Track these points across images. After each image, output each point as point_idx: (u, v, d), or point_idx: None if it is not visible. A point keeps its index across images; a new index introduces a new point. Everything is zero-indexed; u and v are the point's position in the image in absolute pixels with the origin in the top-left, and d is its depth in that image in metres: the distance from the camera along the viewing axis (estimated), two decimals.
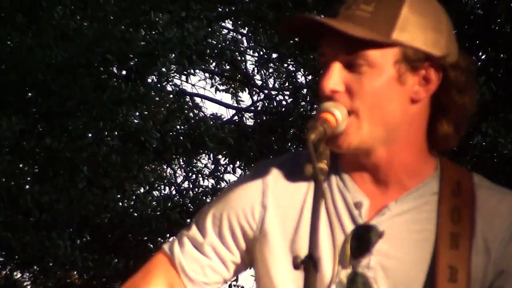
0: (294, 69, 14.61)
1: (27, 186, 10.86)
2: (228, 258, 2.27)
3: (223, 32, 14.95)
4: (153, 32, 10.79)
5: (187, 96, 14.88)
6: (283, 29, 2.21)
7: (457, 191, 2.18)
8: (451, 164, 2.24)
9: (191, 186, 13.78)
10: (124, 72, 11.72)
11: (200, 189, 13.63)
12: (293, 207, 2.23)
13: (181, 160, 13.86)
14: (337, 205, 2.20)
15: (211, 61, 14.71)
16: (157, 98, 12.29)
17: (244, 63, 15.67)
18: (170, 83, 13.04)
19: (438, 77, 2.16)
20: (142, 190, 12.60)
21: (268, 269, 2.24)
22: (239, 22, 15.08)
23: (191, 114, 13.95)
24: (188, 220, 11.96)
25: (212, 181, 14.06)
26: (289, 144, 14.15)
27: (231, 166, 14.49)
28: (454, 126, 2.21)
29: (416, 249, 2.15)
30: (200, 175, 14.04)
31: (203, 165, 14.21)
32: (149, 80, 11.86)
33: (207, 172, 14.14)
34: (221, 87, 15.39)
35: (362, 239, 2.15)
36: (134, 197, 12.26)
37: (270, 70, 15.39)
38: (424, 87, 2.16)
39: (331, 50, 2.13)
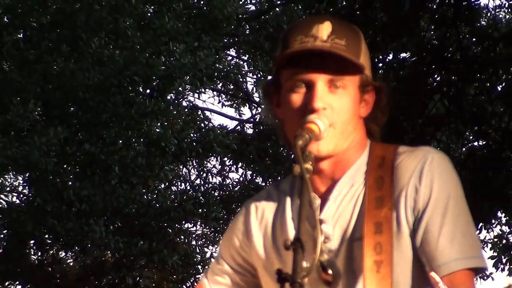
0: None
1: (70, 183, 10.85)
2: (237, 275, 2.34)
3: (228, 59, 14.97)
4: (172, 59, 10.80)
5: (199, 110, 14.87)
6: (278, 63, 2.19)
7: (381, 164, 2.19)
8: (380, 144, 2.25)
9: (202, 182, 13.78)
10: (148, 91, 11.72)
11: (210, 185, 13.64)
12: (267, 222, 2.27)
13: (194, 162, 13.85)
14: (293, 206, 2.23)
15: (218, 82, 14.73)
16: (175, 112, 12.31)
17: (245, 84, 15.68)
18: (185, 100, 13.07)
19: (373, 100, 2.21)
20: (162, 186, 12.59)
21: (259, 267, 2.28)
22: (241, 51, 15.10)
23: (202, 125, 13.95)
24: (200, 210, 11.99)
25: (219, 178, 14.08)
26: (281, 149, 14.14)
27: (235, 166, 14.49)
28: (378, 127, 2.26)
29: (351, 220, 2.16)
30: (209, 174, 14.05)
31: (212, 165, 14.22)
32: (168, 97, 11.86)
33: (215, 171, 14.15)
34: (226, 103, 15.40)
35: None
36: (156, 191, 12.25)
37: None
38: (365, 107, 2.21)
39: (315, 74, 2.12)
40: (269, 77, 2.38)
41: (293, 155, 2.13)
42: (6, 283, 12.36)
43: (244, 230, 2.30)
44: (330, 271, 2.12)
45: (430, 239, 2.10)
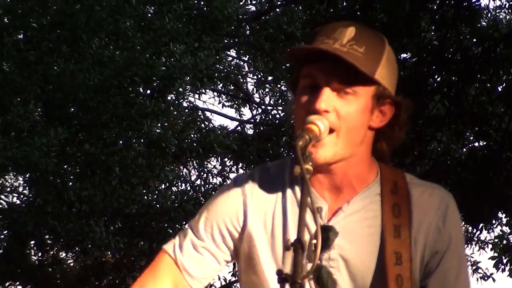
0: (286, 88, 14.62)
1: (70, 183, 10.85)
2: (220, 256, 2.27)
3: (228, 59, 14.98)
4: (172, 60, 10.79)
5: (199, 111, 14.88)
6: (291, 56, 2.18)
7: (394, 190, 2.19)
8: (388, 167, 2.24)
9: (202, 183, 13.78)
10: (148, 92, 11.72)
11: (210, 185, 13.63)
12: (266, 211, 2.23)
13: (194, 162, 13.86)
14: (294, 205, 2.20)
15: (219, 82, 14.72)
16: (175, 112, 12.30)
17: (245, 84, 15.69)
18: (186, 100, 13.07)
19: (391, 113, 2.19)
20: (163, 186, 12.59)
21: (254, 259, 2.23)
22: (241, 51, 15.11)
23: (202, 125, 13.95)
24: None
25: (219, 179, 14.08)
26: (282, 150, 14.14)
27: (235, 167, 14.48)
28: (388, 147, 2.24)
29: (367, 241, 2.15)
30: (210, 174, 14.05)
31: (212, 166, 14.22)
32: (169, 98, 11.87)
33: (216, 172, 14.15)
34: (226, 104, 15.42)
35: (323, 237, 2.13)
36: (156, 192, 12.25)
37: (267, 90, 15.42)
38: (381, 118, 2.18)
39: (324, 76, 2.11)
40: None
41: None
42: (7, 284, 12.36)
43: (241, 213, 2.24)
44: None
45: (447, 285, 2.14)
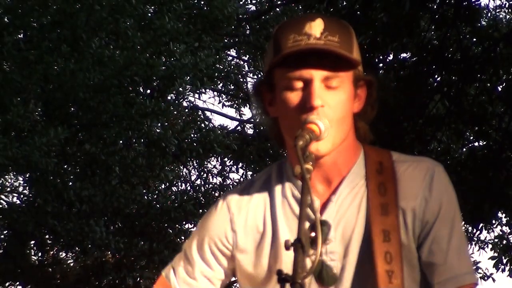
0: None
1: (70, 183, 10.85)
2: (214, 277, 2.29)
3: (229, 59, 14.98)
4: (172, 59, 10.79)
5: (199, 111, 14.88)
6: (274, 64, 2.17)
7: (380, 170, 2.19)
8: (372, 148, 2.25)
9: (202, 183, 13.78)
10: (148, 91, 11.72)
11: (210, 185, 13.63)
12: (256, 223, 2.24)
13: (194, 162, 13.85)
14: (293, 207, 2.20)
15: (219, 82, 14.73)
16: (175, 112, 12.30)
17: (245, 84, 15.68)
18: (186, 100, 13.05)
19: (365, 94, 2.21)
20: (163, 186, 12.59)
21: (248, 273, 2.24)
22: (241, 51, 15.11)
23: (202, 125, 13.95)
24: (200, 211, 11.97)
25: (219, 179, 14.08)
26: (282, 149, 14.14)
27: (235, 167, 14.49)
28: (367, 123, 2.25)
29: (358, 224, 2.16)
30: (210, 174, 14.05)
31: (212, 166, 14.22)
32: (169, 98, 11.86)
33: (216, 172, 14.15)
34: (226, 103, 15.41)
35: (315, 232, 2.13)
36: (156, 192, 12.26)
37: None
38: (359, 102, 2.20)
39: (312, 72, 2.12)
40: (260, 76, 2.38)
41: (285, 153, 2.13)
42: (7, 284, 12.37)
43: (229, 231, 2.26)
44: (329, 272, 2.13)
45: (438, 251, 2.14)
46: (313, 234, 2.05)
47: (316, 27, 2.13)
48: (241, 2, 13.28)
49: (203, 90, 13.13)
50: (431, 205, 2.15)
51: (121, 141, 11.18)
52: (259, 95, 2.23)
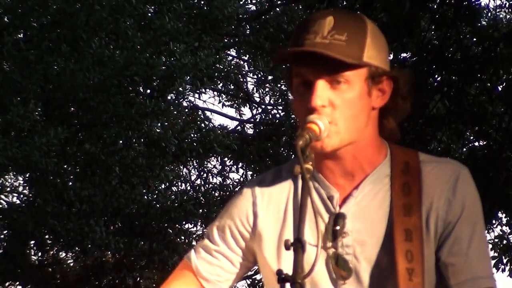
0: (286, 88, 14.61)
1: (70, 183, 10.85)
2: (234, 257, 2.30)
3: (229, 59, 14.98)
4: (172, 59, 10.79)
5: (199, 110, 14.88)
6: (277, 59, 2.21)
7: (405, 170, 2.19)
8: (399, 148, 2.25)
9: (202, 183, 13.78)
10: (148, 91, 11.72)
11: (210, 185, 13.63)
12: (278, 209, 2.25)
13: (194, 162, 13.85)
14: (314, 200, 2.18)
15: (219, 82, 14.73)
16: (175, 112, 12.30)
17: (245, 84, 15.69)
18: (186, 100, 13.06)
19: (390, 88, 2.19)
20: (163, 186, 12.58)
21: (265, 258, 2.25)
22: (241, 51, 15.11)
23: (202, 125, 13.94)
24: (200, 210, 11.98)
25: (219, 178, 14.08)
26: (282, 149, 14.15)
27: (235, 166, 14.50)
28: (396, 122, 2.25)
29: (379, 223, 2.16)
30: (210, 174, 14.05)
31: (212, 166, 14.22)
32: (169, 97, 11.86)
33: (216, 172, 14.15)
34: (226, 103, 15.41)
35: (337, 225, 2.16)
36: (156, 192, 12.25)
37: (267, 89, 15.43)
38: (381, 97, 2.19)
39: (314, 72, 2.12)
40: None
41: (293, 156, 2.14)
42: (7, 284, 12.37)
43: (250, 214, 2.28)
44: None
45: (458, 252, 2.13)
46: (337, 227, 2.14)
47: (325, 25, 2.12)
48: (241, 2, 13.27)
49: (203, 90, 13.14)
50: (454, 206, 2.15)
51: (121, 141, 11.18)
52: (290, 90, 2.25)
